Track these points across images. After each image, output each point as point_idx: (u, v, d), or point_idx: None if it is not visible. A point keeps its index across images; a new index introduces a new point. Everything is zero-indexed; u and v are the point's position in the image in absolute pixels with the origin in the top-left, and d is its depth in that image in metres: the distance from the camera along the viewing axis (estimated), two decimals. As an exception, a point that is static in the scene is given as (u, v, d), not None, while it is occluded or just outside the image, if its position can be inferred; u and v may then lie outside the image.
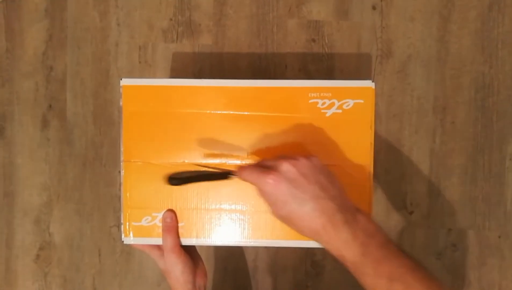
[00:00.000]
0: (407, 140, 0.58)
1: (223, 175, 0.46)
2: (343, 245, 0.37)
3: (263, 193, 0.39)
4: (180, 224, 0.51)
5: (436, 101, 0.58)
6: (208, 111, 0.51)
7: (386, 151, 0.58)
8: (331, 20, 0.59)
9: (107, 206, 0.60)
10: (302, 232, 0.39)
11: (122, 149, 0.51)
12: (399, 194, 0.58)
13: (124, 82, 0.51)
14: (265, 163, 0.41)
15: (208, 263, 0.60)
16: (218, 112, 0.51)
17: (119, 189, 0.52)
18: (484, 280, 0.58)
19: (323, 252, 0.59)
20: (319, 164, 0.40)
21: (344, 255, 0.37)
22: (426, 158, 0.58)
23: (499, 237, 0.58)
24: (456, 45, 0.58)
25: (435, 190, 0.58)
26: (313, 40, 0.59)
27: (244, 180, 0.41)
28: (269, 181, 0.38)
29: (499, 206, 0.58)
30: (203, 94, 0.50)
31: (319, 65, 0.59)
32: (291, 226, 0.39)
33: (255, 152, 0.51)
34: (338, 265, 0.59)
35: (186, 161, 0.51)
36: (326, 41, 0.59)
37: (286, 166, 0.38)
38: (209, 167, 0.49)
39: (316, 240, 0.38)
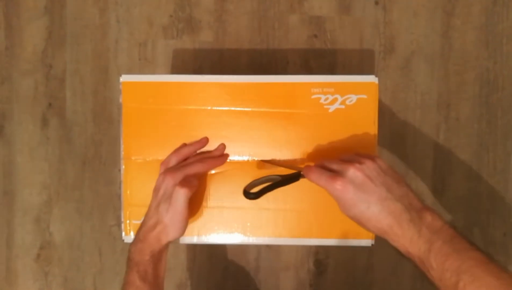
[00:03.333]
0: (411, 136, 0.58)
1: (295, 177, 0.44)
2: (409, 243, 0.38)
3: (332, 195, 0.41)
4: None
5: (440, 97, 0.58)
6: (209, 108, 0.50)
7: (389, 148, 0.57)
8: (333, 16, 0.58)
9: (107, 205, 0.59)
10: (370, 230, 0.40)
11: (122, 146, 0.51)
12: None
13: (124, 78, 0.50)
14: (331, 166, 0.42)
15: (210, 262, 0.59)
16: (219, 108, 0.50)
17: (119, 188, 0.52)
18: (489, 278, 0.58)
19: (326, 250, 0.58)
20: (384, 166, 0.41)
21: (411, 251, 0.39)
22: (430, 155, 0.58)
23: (504, 234, 0.58)
24: (460, 41, 0.58)
25: (439, 187, 0.58)
26: (315, 36, 0.58)
27: (312, 181, 0.42)
28: (337, 187, 0.40)
29: (503, 203, 0.58)
30: (204, 90, 0.50)
31: (321, 61, 0.58)
32: (360, 224, 0.41)
33: (257, 149, 0.50)
34: (341, 263, 0.58)
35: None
36: (328, 37, 0.58)
37: (352, 172, 0.40)
38: (280, 165, 0.47)
39: (384, 237, 0.40)
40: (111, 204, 0.59)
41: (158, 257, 0.45)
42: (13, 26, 0.59)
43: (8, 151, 0.60)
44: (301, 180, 0.45)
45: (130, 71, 0.59)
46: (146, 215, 0.46)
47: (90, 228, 0.59)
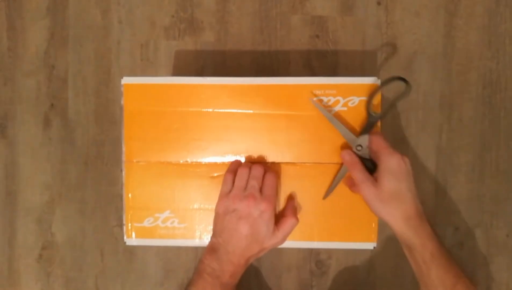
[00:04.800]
0: (413, 137, 0.57)
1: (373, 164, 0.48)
2: (428, 236, 0.43)
3: (387, 166, 0.45)
4: (182, 225, 0.51)
5: (443, 97, 0.57)
6: (211, 110, 0.50)
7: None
8: (335, 16, 0.58)
9: (109, 205, 0.59)
10: (395, 214, 0.44)
11: (123, 148, 0.51)
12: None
13: (125, 80, 0.50)
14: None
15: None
16: (221, 110, 0.50)
17: (121, 188, 0.52)
18: (492, 278, 0.58)
19: (328, 251, 0.58)
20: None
21: (427, 245, 0.43)
22: (432, 156, 0.57)
23: (507, 235, 0.57)
24: (462, 41, 0.57)
25: (442, 188, 0.57)
26: (317, 36, 0.58)
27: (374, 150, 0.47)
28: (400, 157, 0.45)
29: (507, 204, 0.57)
30: (205, 92, 0.50)
31: (323, 61, 0.58)
32: (391, 203, 0.44)
33: (260, 151, 0.50)
34: (343, 264, 0.58)
35: (188, 160, 0.50)
36: (330, 37, 0.58)
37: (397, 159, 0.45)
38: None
39: (405, 225, 0.44)
40: (113, 204, 0.59)
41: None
42: (15, 27, 0.60)
43: (10, 152, 0.60)
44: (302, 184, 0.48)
45: (132, 72, 0.59)
46: (232, 241, 0.45)
47: (92, 229, 0.59)
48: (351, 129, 0.49)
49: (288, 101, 0.50)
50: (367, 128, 0.48)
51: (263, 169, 0.47)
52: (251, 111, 0.50)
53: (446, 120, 0.57)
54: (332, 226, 0.50)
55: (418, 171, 0.57)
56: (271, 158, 0.50)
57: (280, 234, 0.46)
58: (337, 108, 0.49)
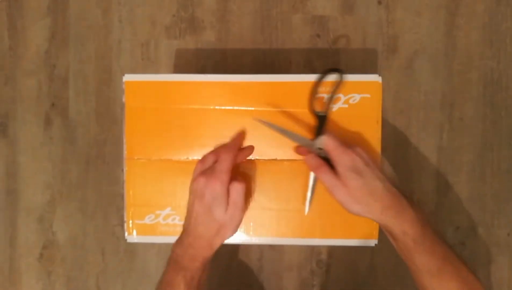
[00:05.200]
0: (414, 136, 0.57)
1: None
2: (409, 222, 0.42)
3: (340, 168, 0.44)
4: (183, 223, 0.51)
5: (444, 97, 0.57)
6: (212, 107, 0.50)
7: (393, 148, 0.57)
8: (336, 15, 0.58)
9: (110, 204, 0.59)
10: (371, 209, 0.43)
11: (125, 146, 0.51)
12: (407, 192, 0.57)
13: (127, 78, 0.50)
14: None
15: (212, 262, 0.59)
16: (223, 107, 0.50)
17: (122, 188, 0.52)
18: (493, 278, 0.58)
19: (329, 251, 0.58)
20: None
21: (408, 232, 0.42)
22: (433, 155, 0.57)
23: (508, 234, 0.57)
24: (463, 40, 0.57)
25: (443, 188, 0.57)
26: (318, 36, 0.58)
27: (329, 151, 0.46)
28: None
29: (508, 203, 0.57)
30: (207, 89, 0.50)
31: (324, 61, 0.58)
32: (365, 199, 0.43)
33: (261, 148, 0.50)
34: (344, 264, 0.58)
35: (189, 158, 0.50)
36: (331, 36, 0.58)
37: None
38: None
39: (383, 216, 0.43)
40: (114, 204, 0.59)
41: (208, 263, 0.45)
42: (16, 26, 0.60)
43: (11, 151, 0.60)
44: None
45: (133, 71, 0.59)
46: (191, 222, 0.44)
47: (93, 228, 0.59)
48: (349, 129, 0.49)
49: (290, 98, 0.50)
50: (319, 128, 0.47)
51: (231, 152, 0.45)
52: (253, 108, 0.50)
53: (447, 119, 0.57)
54: (333, 223, 0.50)
55: (419, 170, 0.57)
56: (272, 155, 0.50)
57: (232, 207, 0.43)
58: (338, 105, 0.49)
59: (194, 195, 0.44)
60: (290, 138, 0.48)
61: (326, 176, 0.44)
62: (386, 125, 0.56)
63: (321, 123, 0.48)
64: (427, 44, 0.57)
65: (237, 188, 0.43)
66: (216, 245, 0.44)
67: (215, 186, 0.42)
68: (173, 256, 0.45)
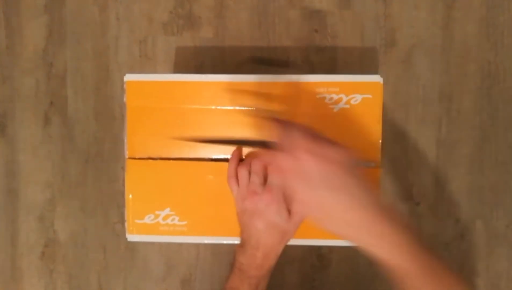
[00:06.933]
0: (413, 130, 0.58)
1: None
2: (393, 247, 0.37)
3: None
4: (183, 223, 0.51)
5: (442, 90, 0.57)
6: (213, 107, 0.50)
7: (391, 142, 0.57)
8: (334, 10, 0.58)
9: (110, 202, 0.59)
10: (344, 233, 0.39)
11: (126, 145, 0.51)
12: (405, 185, 0.58)
13: (128, 77, 0.50)
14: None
15: (213, 257, 0.59)
16: (224, 107, 0.50)
17: (122, 185, 0.52)
18: (492, 269, 0.58)
19: (329, 245, 0.58)
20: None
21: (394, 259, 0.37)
22: (432, 148, 0.58)
23: (507, 226, 0.58)
24: (461, 33, 0.57)
25: (442, 180, 0.58)
26: (316, 31, 0.58)
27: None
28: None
29: (506, 195, 0.58)
30: (207, 89, 0.50)
31: (322, 56, 0.58)
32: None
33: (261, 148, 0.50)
34: (344, 258, 0.58)
35: (190, 157, 0.50)
36: (329, 31, 0.58)
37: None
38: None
39: (358, 235, 0.39)
40: (114, 201, 0.59)
41: (272, 269, 0.46)
42: (13, 25, 0.59)
43: (10, 150, 0.60)
44: None
45: (131, 69, 0.59)
46: (252, 235, 0.45)
47: (94, 226, 0.60)
48: (351, 129, 0.49)
49: (291, 98, 0.49)
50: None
51: (262, 161, 0.46)
52: (253, 109, 0.50)
53: (445, 112, 0.58)
54: None
55: (418, 164, 0.58)
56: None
57: (295, 217, 0.45)
58: (340, 105, 0.49)
59: (252, 213, 0.45)
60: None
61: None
62: (384, 119, 0.56)
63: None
64: (424, 37, 0.57)
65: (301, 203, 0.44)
66: (280, 251, 0.46)
67: (273, 201, 0.44)
68: (236, 265, 0.46)
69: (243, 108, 0.50)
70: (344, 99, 0.49)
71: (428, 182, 0.58)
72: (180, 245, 0.59)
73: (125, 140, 0.50)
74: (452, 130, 0.58)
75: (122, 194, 0.58)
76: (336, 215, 0.36)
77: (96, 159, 0.59)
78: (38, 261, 0.60)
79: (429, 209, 0.58)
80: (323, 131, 0.49)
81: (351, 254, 0.58)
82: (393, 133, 0.57)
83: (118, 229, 0.59)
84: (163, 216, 0.51)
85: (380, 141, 0.49)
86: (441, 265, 0.37)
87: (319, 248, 0.59)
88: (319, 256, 0.59)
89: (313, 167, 0.36)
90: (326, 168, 0.35)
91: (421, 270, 0.35)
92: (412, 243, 0.35)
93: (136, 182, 0.51)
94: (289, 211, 0.45)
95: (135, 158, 0.50)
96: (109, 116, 0.59)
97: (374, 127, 0.49)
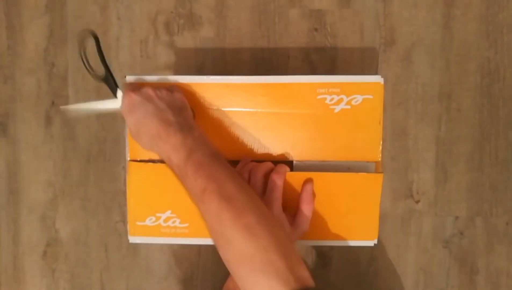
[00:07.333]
0: (412, 128, 0.58)
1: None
2: (172, 149, 0.42)
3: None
4: (184, 225, 0.51)
5: (442, 88, 0.58)
6: (215, 108, 0.50)
7: (391, 140, 0.58)
8: (333, 9, 0.58)
9: (112, 201, 0.59)
10: (142, 139, 0.45)
11: (127, 147, 0.51)
12: (405, 183, 0.58)
13: (129, 79, 0.50)
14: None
15: (215, 256, 0.60)
16: (225, 109, 0.50)
17: (124, 184, 0.52)
18: (492, 267, 0.58)
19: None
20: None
21: (172, 158, 0.42)
22: (432, 146, 0.58)
23: (507, 223, 0.58)
24: (460, 31, 0.58)
25: (442, 178, 0.58)
26: (316, 30, 0.58)
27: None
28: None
29: (506, 193, 0.58)
30: (210, 91, 0.50)
31: (322, 55, 0.58)
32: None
33: (263, 150, 0.50)
34: (345, 255, 0.59)
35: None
36: (329, 30, 0.58)
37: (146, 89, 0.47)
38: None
39: (151, 145, 0.44)
40: (116, 200, 0.59)
41: None
42: (14, 25, 0.60)
43: (12, 150, 0.60)
44: None
45: (131, 69, 0.59)
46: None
47: (95, 225, 0.60)
48: (351, 130, 0.50)
49: (292, 99, 0.50)
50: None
51: (262, 170, 0.48)
52: (254, 110, 0.50)
53: (445, 110, 0.58)
54: (332, 224, 0.50)
55: (418, 161, 0.58)
56: (274, 156, 0.50)
57: (298, 229, 0.47)
58: (341, 106, 0.50)
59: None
60: (95, 107, 0.51)
61: None
62: (384, 117, 0.57)
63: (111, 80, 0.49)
64: (424, 35, 0.58)
65: (304, 218, 0.48)
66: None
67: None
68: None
69: (245, 110, 0.50)
70: (345, 99, 0.49)
71: (428, 180, 0.58)
72: (182, 244, 0.59)
73: (127, 143, 0.51)
74: (452, 128, 0.58)
75: (123, 193, 0.59)
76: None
77: (97, 158, 0.59)
78: (40, 261, 0.60)
79: (429, 206, 0.58)
80: (324, 131, 0.49)
81: (352, 251, 0.59)
82: (393, 131, 0.58)
83: (120, 228, 0.60)
84: (164, 218, 0.51)
85: (381, 141, 0.50)
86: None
87: (319, 246, 0.59)
88: (319, 254, 0.59)
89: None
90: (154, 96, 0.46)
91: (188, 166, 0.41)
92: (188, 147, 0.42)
93: (138, 184, 0.51)
94: (291, 223, 0.47)
95: (136, 161, 0.50)
96: (111, 116, 0.59)
97: (374, 127, 0.50)
